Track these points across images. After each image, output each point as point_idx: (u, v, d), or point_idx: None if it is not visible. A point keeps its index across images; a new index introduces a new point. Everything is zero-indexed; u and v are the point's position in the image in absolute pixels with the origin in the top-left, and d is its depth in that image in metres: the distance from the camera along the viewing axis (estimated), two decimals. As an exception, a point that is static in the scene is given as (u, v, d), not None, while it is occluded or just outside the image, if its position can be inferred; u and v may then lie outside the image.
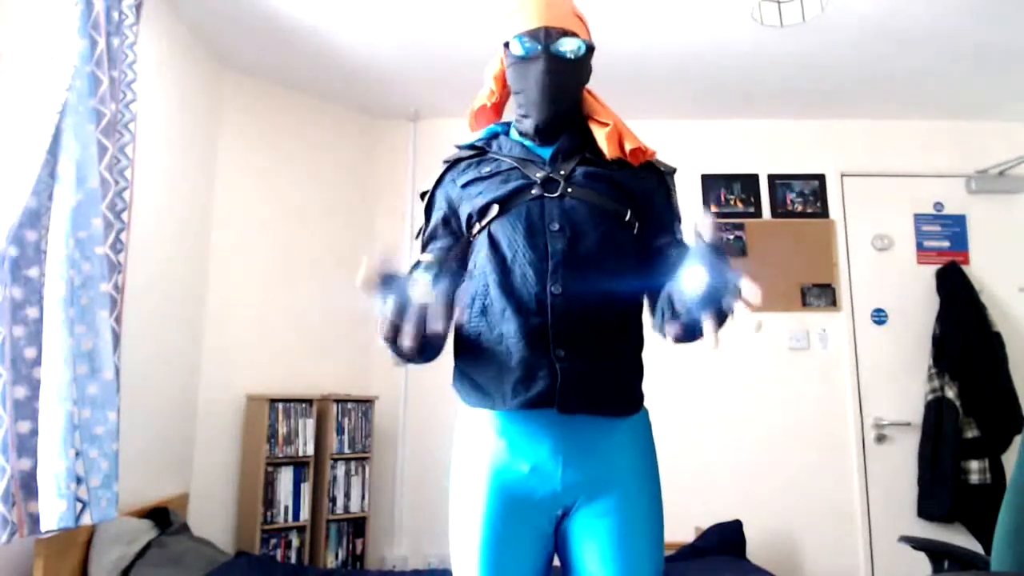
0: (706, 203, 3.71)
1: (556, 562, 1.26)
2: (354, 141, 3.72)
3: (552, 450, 1.16)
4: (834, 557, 3.37)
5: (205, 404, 3.09)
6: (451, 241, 1.30)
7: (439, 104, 3.61)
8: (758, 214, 3.71)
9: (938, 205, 3.68)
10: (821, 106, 3.62)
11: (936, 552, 2.25)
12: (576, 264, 1.18)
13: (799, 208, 3.72)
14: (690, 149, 3.76)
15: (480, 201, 1.25)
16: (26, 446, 1.77)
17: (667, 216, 1.32)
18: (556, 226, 1.20)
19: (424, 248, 1.32)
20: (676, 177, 1.38)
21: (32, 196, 1.83)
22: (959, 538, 3.11)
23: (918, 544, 2.30)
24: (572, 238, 1.19)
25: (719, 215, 3.68)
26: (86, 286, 1.93)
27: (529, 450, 1.17)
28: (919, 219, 3.67)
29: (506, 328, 1.17)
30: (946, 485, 3.24)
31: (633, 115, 3.71)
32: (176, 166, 2.87)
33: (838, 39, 2.95)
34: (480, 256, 1.23)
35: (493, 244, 1.22)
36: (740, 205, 3.72)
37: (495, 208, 1.23)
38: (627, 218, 1.26)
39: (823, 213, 3.70)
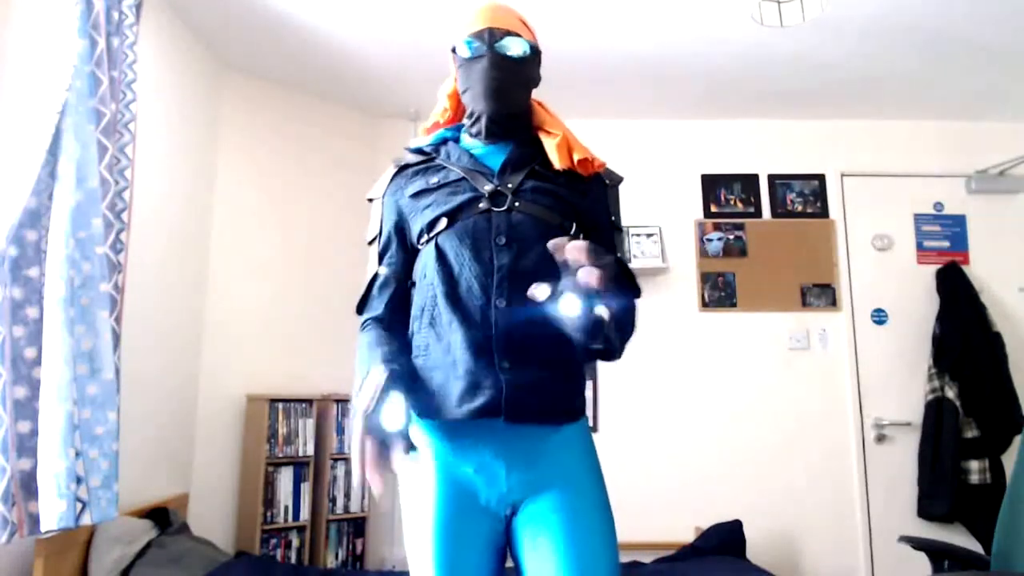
0: (706, 203, 3.70)
1: (510, 563, 1.26)
2: (354, 141, 3.72)
3: (495, 454, 1.19)
4: (834, 557, 3.37)
5: (205, 404, 3.09)
6: (405, 254, 1.33)
7: (439, 104, 3.60)
8: (758, 214, 3.71)
9: (938, 205, 3.68)
10: (821, 106, 3.62)
11: (936, 552, 2.25)
12: (521, 278, 1.19)
13: (799, 208, 3.72)
14: (690, 149, 3.75)
15: (430, 214, 1.27)
16: (26, 446, 1.77)
17: (607, 232, 1.35)
18: (503, 240, 1.22)
19: (381, 258, 1.34)
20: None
21: (32, 196, 1.83)
22: (959, 538, 3.11)
23: (918, 544, 2.30)
24: (518, 252, 1.22)
25: (719, 215, 3.69)
26: (86, 286, 1.93)
27: (473, 453, 1.20)
28: (919, 219, 3.67)
29: (453, 339, 1.20)
30: (946, 485, 3.24)
31: (633, 115, 3.74)
32: (176, 166, 2.87)
33: (838, 39, 2.95)
34: (428, 267, 1.25)
35: (441, 256, 1.24)
36: (740, 205, 3.72)
37: (443, 221, 1.25)
38: (572, 232, 1.29)
39: (823, 213, 3.70)
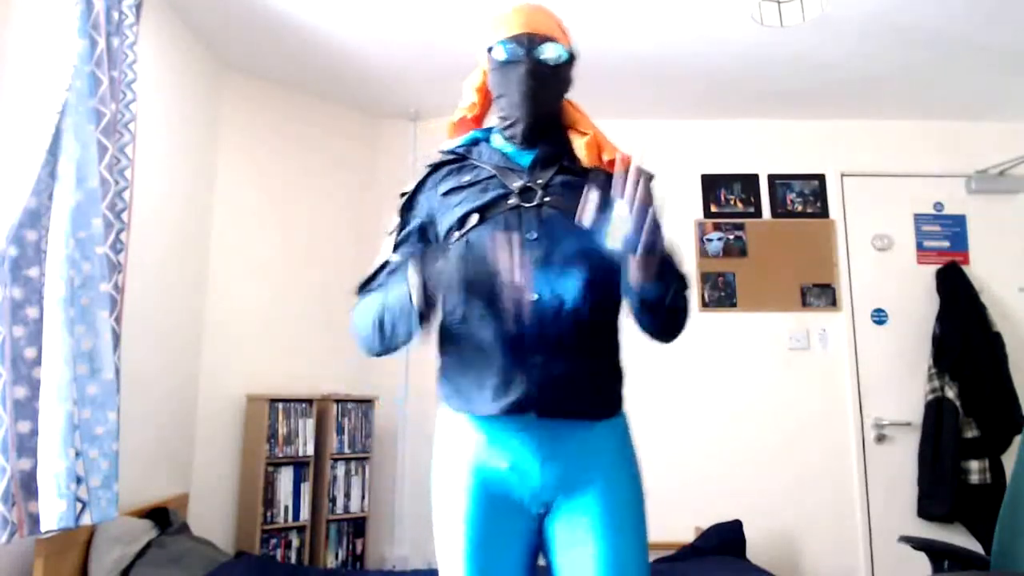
0: (706, 203, 3.70)
1: (542, 561, 1.26)
2: (354, 141, 3.72)
3: (529, 450, 1.18)
4: (834, 557, 3.37)
5: (205, 404, 3.09)
6: (422, 248, 1.32)
7: (439, 104, 3.59)
8: (758, 214, 3.71)
9: (938, 205, 3.68)
10: (821, 106, 3.62)
11: (936, 552, 2.25)
12: (552, 272, 1.20)
13: (799, 208, 3.71)
14: (690, 149, 3.75)
15: (460, 211, 1.27)
16: (26, 446, 1.77)
17: None
18: (533, 235, 1.22)
19: (395, 249, 1.33)
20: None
21: (32, 196, 1.83)
22: (959, 538, 3.10)
23: (918, 544, 2.30)
24: (549, 246, 1.22)
25: (719, 215, 3.69)
26: (86, 286, 1.93)
27: (507, 448, 1.19)
28: (919, 219, 3.67)
29: (484, 334, 1.19)
30: (946, 485, 3.24)
31: (633, 115, 3.73)
32: (176, 166, 2.87)
33: (838, 39, 2.94)
34: None
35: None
36: (740, 205, 3.72)
37: (474, 217, 1.25)
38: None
39: (823, 213, 3.70)
